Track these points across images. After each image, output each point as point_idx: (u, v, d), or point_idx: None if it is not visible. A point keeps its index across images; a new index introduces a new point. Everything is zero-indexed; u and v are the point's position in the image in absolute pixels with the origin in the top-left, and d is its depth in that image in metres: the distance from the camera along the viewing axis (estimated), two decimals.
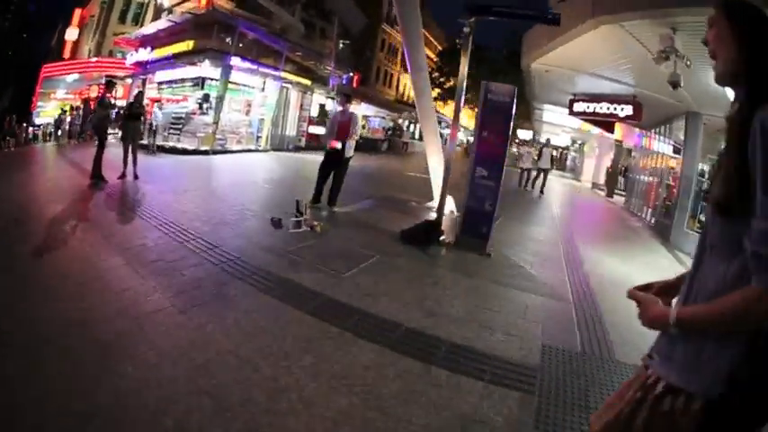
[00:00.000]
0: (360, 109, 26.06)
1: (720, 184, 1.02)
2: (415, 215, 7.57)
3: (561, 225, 9.45)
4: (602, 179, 24.37)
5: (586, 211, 13.87)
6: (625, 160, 20.08)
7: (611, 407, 1.22)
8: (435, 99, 36.09)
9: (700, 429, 1.03)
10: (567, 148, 37.73)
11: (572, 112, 15.75)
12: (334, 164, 6.87)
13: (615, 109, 13.82)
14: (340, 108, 7.12)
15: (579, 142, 32.81)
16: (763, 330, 0.97)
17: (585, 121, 16.50)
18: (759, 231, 0.91)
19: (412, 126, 37.95)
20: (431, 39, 46.23)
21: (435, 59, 39.79)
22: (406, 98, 40.51)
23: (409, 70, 7.70)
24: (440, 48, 44.12)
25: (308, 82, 18.04)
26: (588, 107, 14.78)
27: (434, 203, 8.15)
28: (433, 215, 7.72)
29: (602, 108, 14.33)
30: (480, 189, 5.84)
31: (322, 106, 21.03)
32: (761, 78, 0.99)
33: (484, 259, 5.60)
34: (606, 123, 16.15)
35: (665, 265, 7.44)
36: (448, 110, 44.68)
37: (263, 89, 15.27)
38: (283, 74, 16.10)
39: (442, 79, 36.55)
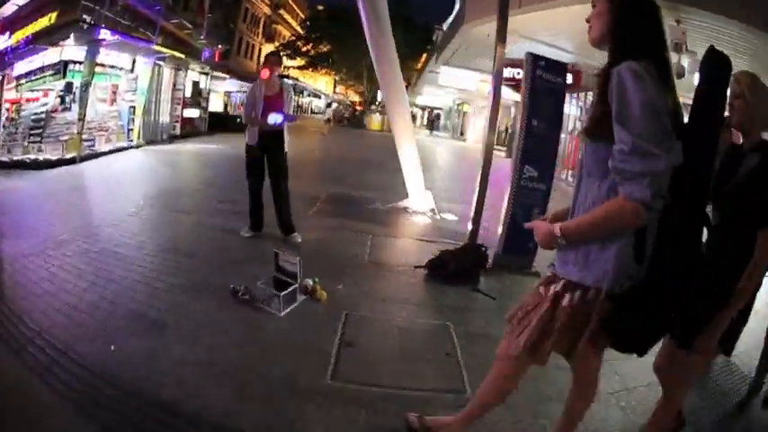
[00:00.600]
0: (226, 85, 22.68)
1: (589, 117, 1.36)
2: (406, 226, 5.87)
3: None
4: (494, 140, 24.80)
5: None
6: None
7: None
8: (301, 68, 35.01)
9: (596, 313, 1.34)
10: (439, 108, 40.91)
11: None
12: (269, 164, 4.50)
13: None
14: (264, 77, 4.33)
15: (458, 102, 33.36)
16: (646, 233, 1.28)
17: (510, 86, 15.99)
18: (617, 151, 1.21)
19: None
20: (293, 6, 43.79)
21: (301, 26, 38.17)
22: None
23: (372, 47, 5.75)
24: (302, 15, 42.57)
25: (182, 55, 14.52)
26: (519, 73, 14.18)
27: (411, 203, 6.50)
28: (432, 222, 6.03)
29: None
30: (528, 193, 4.25)
31: (195, 84, 17.64)
32: (621, 41, 1.32)
33: (535, 280, 4.22)
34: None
35: None
36: (313, 80, 43.88)
37: (131, 69, 11.63)
38: (157, 47, 12.53)
39: (305, 48, 34.94)
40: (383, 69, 5.83)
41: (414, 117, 42.72)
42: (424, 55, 38.86)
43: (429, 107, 42.06)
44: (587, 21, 1.41)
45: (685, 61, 6.63)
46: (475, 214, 4.30)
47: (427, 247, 4.67)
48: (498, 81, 4.26)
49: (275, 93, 4.40)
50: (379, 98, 38.03)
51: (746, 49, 6.92)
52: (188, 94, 16.17)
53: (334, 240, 4.87)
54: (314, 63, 34.53)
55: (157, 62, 12.79)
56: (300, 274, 3.20)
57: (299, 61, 34.92)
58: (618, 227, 1.25)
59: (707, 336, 1.71)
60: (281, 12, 40.89)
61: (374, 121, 30.59)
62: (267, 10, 37.22)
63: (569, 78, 12.90)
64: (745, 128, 1.82)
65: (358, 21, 5.65)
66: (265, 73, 4.26)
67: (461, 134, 33.98)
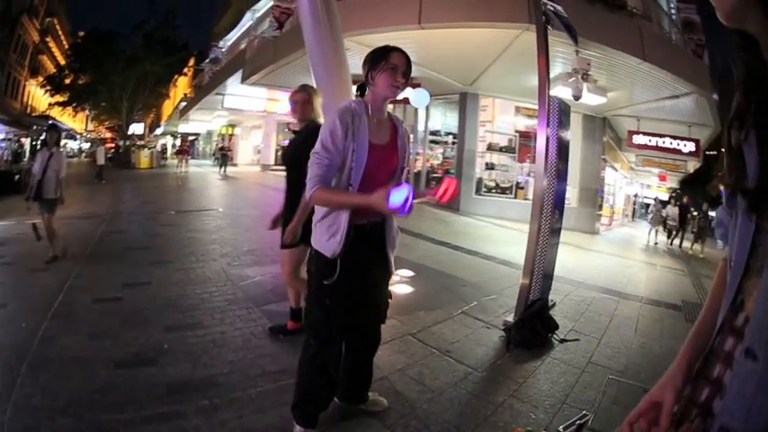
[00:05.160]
0: None
1: None
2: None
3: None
4: (272, 160, 24.07)
5: None
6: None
7: None
8: (63, 104, 28.94)
9: None
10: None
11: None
12: (360, 292, 2.02)
13: None
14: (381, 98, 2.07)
15: (224, 125, 31.77)
16: None
17: None
18: None
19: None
20: (59, 32, 37.21)
21: (64, 56, 32.42)
22: (30, 110, 30.49)
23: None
24: (65, 43, 36.27)
25: None
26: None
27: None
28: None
29: None
30: (554, 239, 4.39)
31: None
32: None
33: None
34: None
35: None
36: (72, 118, 36.77)
37: None
38: None
39: (68, 80, 28.36)
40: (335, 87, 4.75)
41: (164, 148, 38.83)
42: (182, 78, 35.42)
43: (186, 133, 37.43)
44: None
45: (583, 85, 8.01)
46: (531, 266, 4.06)
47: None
48: None
49: (388, 139, 2.04)
50: (131, 131, 33.08)
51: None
52: None
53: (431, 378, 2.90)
54: (78, 97, 28.42)
55: None
56: None
57: (60, 97, 28.58)
58: None
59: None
60: (48, 39, 33.87)
61: (142, 157, 25.63)
62: (36, 37, 30.60)
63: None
64: (304, 118, 3.00)
65: (118, 44, 4.30)
66: (394, 88, 2.01)
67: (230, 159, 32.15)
